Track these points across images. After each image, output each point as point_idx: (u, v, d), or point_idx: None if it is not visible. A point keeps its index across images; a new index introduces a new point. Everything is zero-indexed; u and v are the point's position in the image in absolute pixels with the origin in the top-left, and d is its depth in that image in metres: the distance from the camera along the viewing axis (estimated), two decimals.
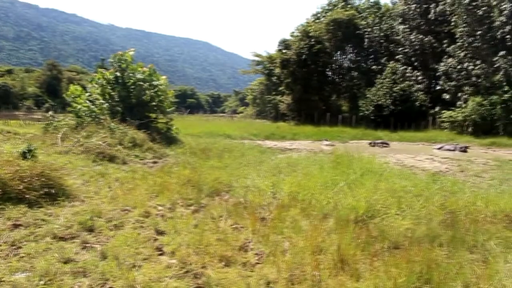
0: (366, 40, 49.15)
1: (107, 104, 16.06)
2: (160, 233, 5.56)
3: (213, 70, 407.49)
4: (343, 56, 54.20)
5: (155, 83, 16.62)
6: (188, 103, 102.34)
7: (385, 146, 24.22)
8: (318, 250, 4.92)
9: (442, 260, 4.75)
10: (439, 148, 23.97)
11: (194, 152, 13.94)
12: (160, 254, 4.83)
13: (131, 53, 16.51)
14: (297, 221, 6.05)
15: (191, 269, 4.38)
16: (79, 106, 15.50)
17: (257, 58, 67.83)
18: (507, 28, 32.89)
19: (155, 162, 12.09)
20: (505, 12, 32.72)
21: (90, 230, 5.44)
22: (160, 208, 6.85)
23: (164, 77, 17.35)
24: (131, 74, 16.13)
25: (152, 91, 16.54)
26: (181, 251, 4.80)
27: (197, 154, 13.56)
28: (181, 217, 6.31)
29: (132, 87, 16.21)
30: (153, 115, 17.15)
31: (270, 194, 7.58)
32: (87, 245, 4.90)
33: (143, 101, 16.43)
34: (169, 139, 16.30)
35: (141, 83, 16.14)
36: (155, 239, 5.29)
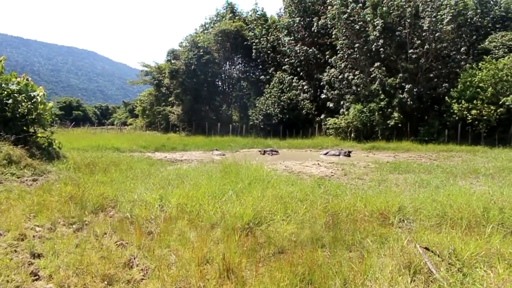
0: (254, 51, 50.49)
1: None
2: (37, 256, 5.20)
3: (101, 80, 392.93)
4: (232, 67, 55.28)
5: (32, 94, 15.47)
6: (74, 115, 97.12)
7: (274, 154, 24.96)
8: (204, 260, 4.92)
9: (324, 260, 4.99)
10: (325, 154, 25.25)
11: (78, 167, 13.24)
12: (36, 279, 4.53)
13: (2, 61, 15.22)
14: (185, 233, 6.00)
15: None
16: None
17: (145, 68, 66.63)
18: (380, 41, 35.98)
19: (34, 180, 11.25)
20: (378, 27, 35.81)
21: None
22: (38, 229, 6.40)
23: (41, 87, 16.19)
24: (4, 85, 14.86)
25: (29, 103, 15.38)
26: (60, 274, 4.53)
27: (81, 169, 12.90)
28: (62, 237, 5.95)
29: (6, 99, 14.94)
30: (32, 129, 15.96)
31: (157, 207, 7.43)
32: None
33: (19, 114, 15.22)
34: (51, 155, 15.26)
35: (16, 94, 14.94)
36: (30, 263, 4.93)
